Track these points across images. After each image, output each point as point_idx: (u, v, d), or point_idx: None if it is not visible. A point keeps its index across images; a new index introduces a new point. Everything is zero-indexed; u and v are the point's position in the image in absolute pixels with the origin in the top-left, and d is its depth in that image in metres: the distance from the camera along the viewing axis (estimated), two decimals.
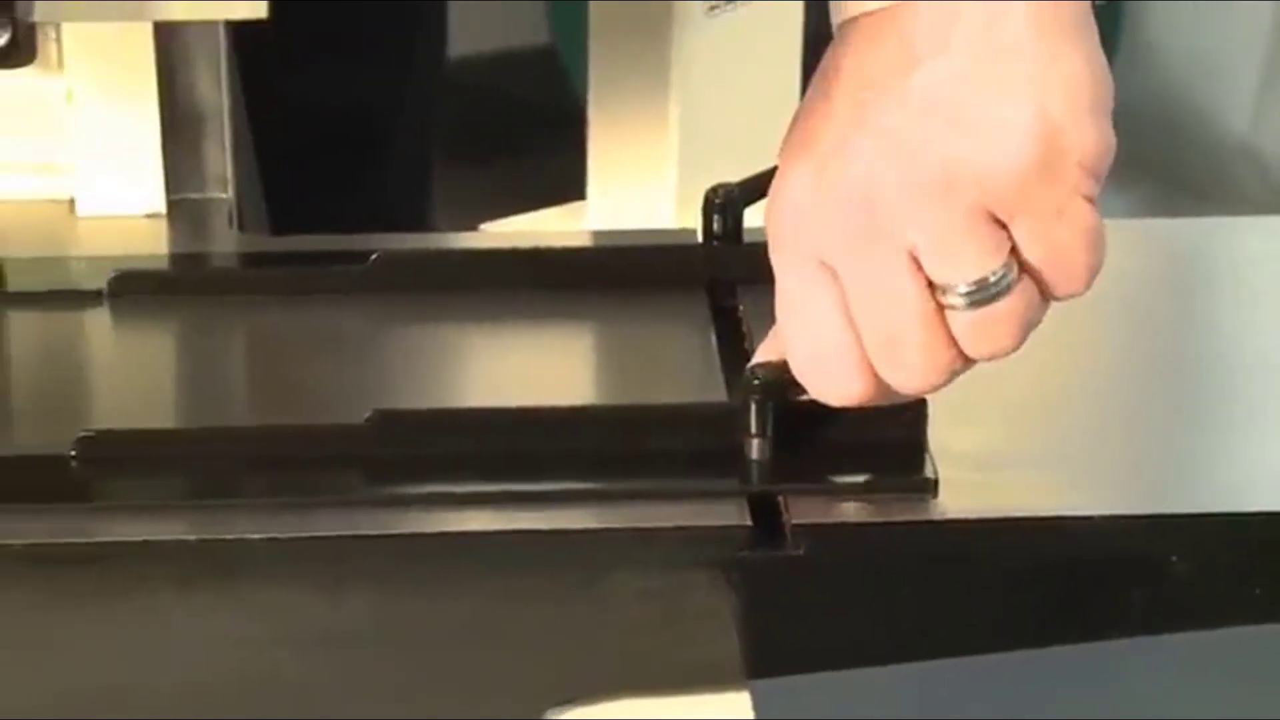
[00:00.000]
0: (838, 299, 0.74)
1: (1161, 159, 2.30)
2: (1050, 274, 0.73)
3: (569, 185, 1.06)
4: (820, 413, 0.77)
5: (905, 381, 0.75)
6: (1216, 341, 0.90)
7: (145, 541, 0.74)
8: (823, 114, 0.75)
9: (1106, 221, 0.74)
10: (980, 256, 0.72)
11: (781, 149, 0.77)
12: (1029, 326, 0.74)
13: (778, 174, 0.76)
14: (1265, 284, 0.94)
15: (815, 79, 0.77)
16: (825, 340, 0.75)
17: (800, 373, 0.76)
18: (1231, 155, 2.32)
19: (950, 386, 0.76)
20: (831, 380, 0.75)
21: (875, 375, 0.74)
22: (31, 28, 0.67)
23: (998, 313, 0.73)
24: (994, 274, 0.73)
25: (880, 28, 0.73)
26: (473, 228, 1.03)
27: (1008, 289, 0.73)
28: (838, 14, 0.76)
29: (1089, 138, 0.72)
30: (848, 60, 0.74)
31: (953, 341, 0.74)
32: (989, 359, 0.75)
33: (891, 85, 0.72)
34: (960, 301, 0.73)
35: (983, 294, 0.73)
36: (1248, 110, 2.32)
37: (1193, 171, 2.31)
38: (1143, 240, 0.98)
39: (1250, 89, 2.31)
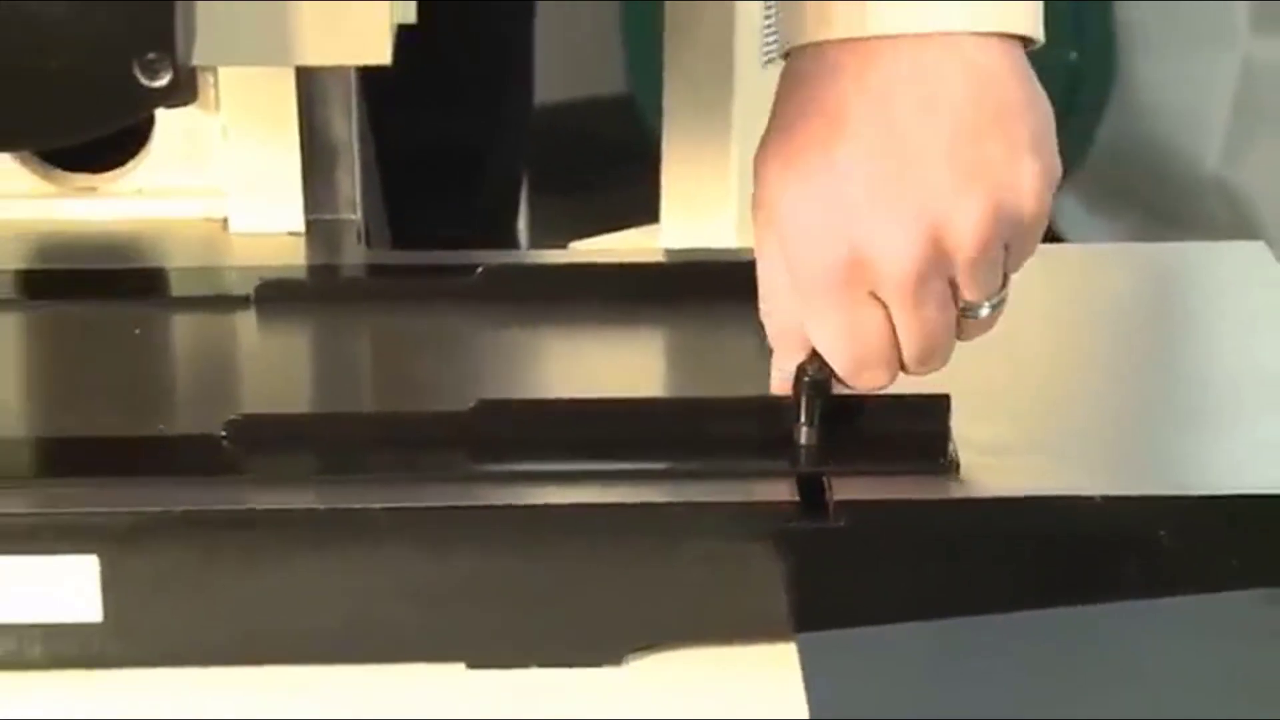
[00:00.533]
0: (884, 322, 0.73)
1: (1147, 193, 2.29)
2: (1016, 269, 0.74)
3: (645, 211, 1.06)
4: (859, 406, 0.77)
5: (928, 371, 0.75)
6: (1193, 348, 0.90)
7: (283, 509, 0.73)
8: (851, 145, 0.71)
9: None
10: (999, 279, 0.73)
11: (775, 161, 0.73)
12: None
13: (794, 196, 0.73)
14: (1234, 298, 0.94)
15: (797, 90, 0.73)
16: (872, 352, 0.73)
17: (845, 374, 0.75)
18: (1205, 191, 2.30)
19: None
20: (873, 378, 0.75)
21: (901, 367, 0.74)
22: (192, 71, 0.67)
23: (997, 312, 0.74)
24: (1001, 289, 0.73)
25: (873, 62, 0.71)
26: (563, 246, 1.02)
27: (1006, 296, 0.74)
28: (798, 31, 0.73)
29: (1058, 167, 0.72)
30: (849, 85, 0.71)
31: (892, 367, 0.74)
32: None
33: (914, 134, 0.70)
34: (980, 313, 0.73)
35: (992, 304, 0.73)
36: (1218, 153, 2.30)
37: (1173, 204, 2.30)
38: (1131, 261, 0.97)
39: (1220, 136, 2.29)
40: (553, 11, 1.51)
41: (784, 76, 0.74)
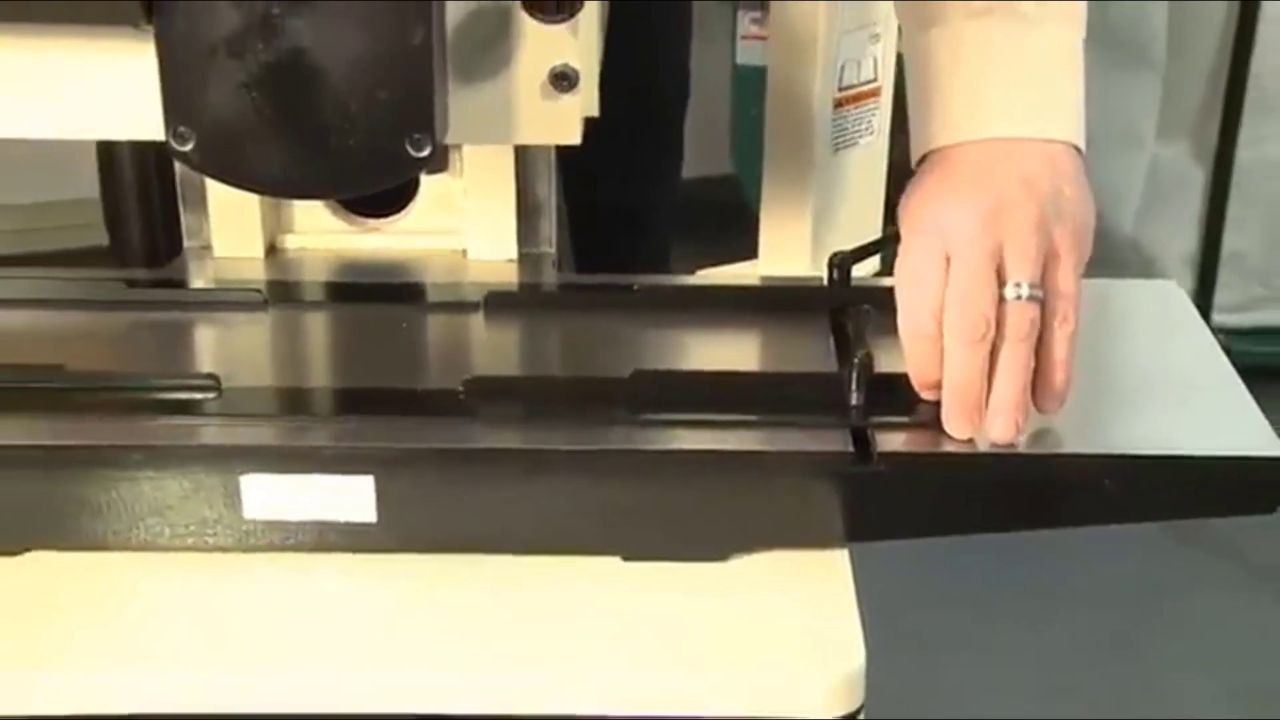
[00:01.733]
0: (944, 273, 0.70)
1: None
2: (1060, 280, 0.71)
3: (748, 251, 1.04)
4: (894, 381, 0.73)
5: (952, 326, 0.70)
6: (1124, 355, 0.85)
7: (499, 448, 0.72)
8: (976, 182, 0.71)
9: None
10: (1032, 269, 0.70)
11: (950, 200, 0.72)
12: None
13: (933, 204, 0.72)
14: (1153, 321, 0.90)
15: (949, 175, 0.73)
16: (924, 291, 0.70)
17: (900, 307, 0.72)
18: (1124, 247, 2.25)
19: None
20: (914, 313, 0.71)
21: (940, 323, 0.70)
22: (445, 147, 0.66)
23: (1031, 313, 0.69)
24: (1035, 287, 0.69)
25: (1001, 154, 0.72)
26: (691, 272, 1.00)
27: (1042, 298, 0.70)
28: (975, 129, 0.73)
29: (1091, 213, 0.73)
30: (1000, 162, 0.71)
31: (992, 317, 0.69)
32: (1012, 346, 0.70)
33: (1038, 178, 0.70)
34: (1023, 293, 0.69)
35: (1026, 295, 0.69)
36: (1132, 222, 2.24)
37: (1101, 255, 2.25)
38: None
39: (1133, 210, 2.23)
40: None
41: (950, 155, 0.73)
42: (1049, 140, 0.72)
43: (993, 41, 0.73)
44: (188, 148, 0.63)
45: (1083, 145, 0.74)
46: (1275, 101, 2.06)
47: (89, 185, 1.18)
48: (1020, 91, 0.73)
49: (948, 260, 0.70)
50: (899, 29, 0.83)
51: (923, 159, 0.75)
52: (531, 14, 0.64)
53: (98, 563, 0.71)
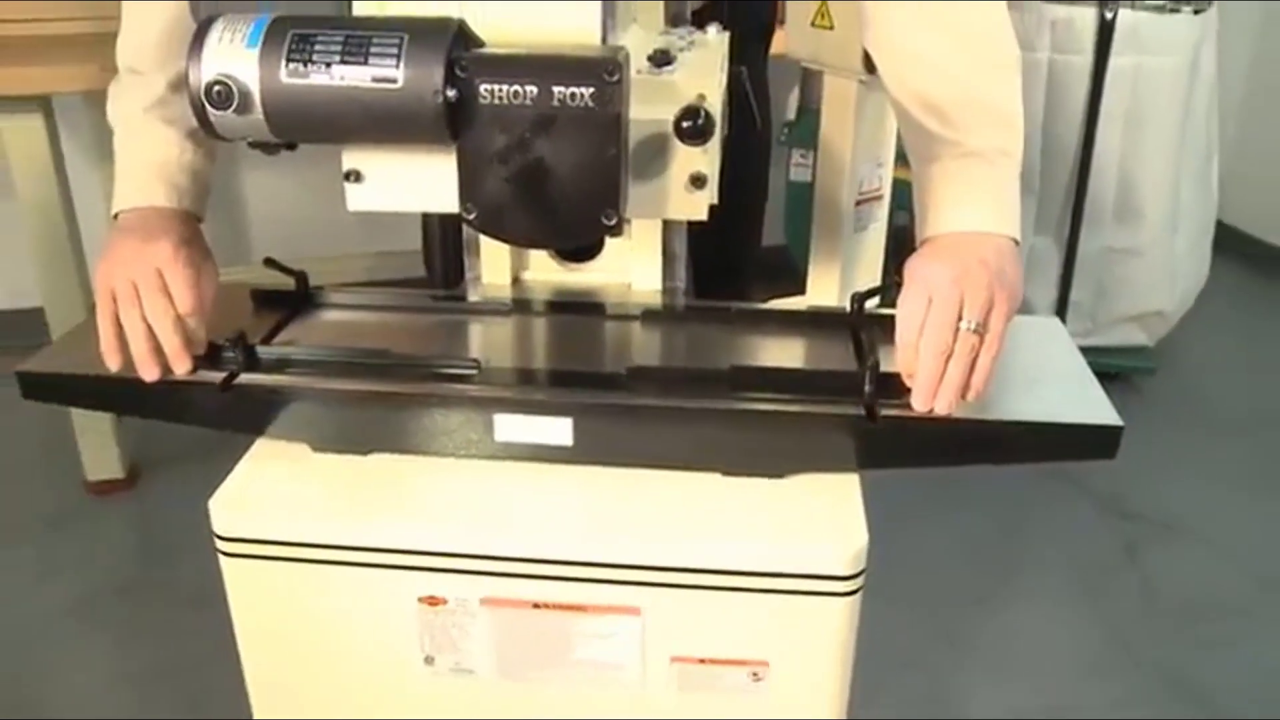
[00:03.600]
0: (926, 310, 0.65)
1: None
2: (994, 323, 0.65)
3: (798, 289, 0.98)
4: (892, 377, 0.67)
5: (925, 345, 0.65)
6: (1022, 359, 0.76)
7: (650, 405, 0.67)
8: (952, 256, 0.66)
9: None
10: (981, 311, 0.65)
11: (936, 267, 0.66)
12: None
13: (925, 266, 0.66)
14: (1042, 341, 0.81)
15: (936, 250, 0.67)
16: (914, 317, 0.66)
17: (898, 328, 0.66)
18: None
19: None
20: (906, 332, 0.66)
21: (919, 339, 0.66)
22: (623, 219, 0.61)
23: (973, 340, 0.65)
24: (983, 324, 0.65)
25: (969, 241, 0.66)
26: (765, 301, 0.93)
27: (982, 332, 0.65)
28: (926, 226, 0.68)
29: (1020, 284, 0.68)
30: (969, 248, 0.66)
31: (951, 342, 0.64)
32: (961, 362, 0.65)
33: (990, 259, 0.65)
34: (971, 326, 0.65)
35: (973, 329, 0.64)
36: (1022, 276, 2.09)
37: None
38: None
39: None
40: None
41: (939, 239, 0.68)
42: (998, 234, 0.68)
43: (967, 174, 0.69)
44: (472, 216, 0.60)
45: (1020, 239, 0.69)
46: (1100, 214, 1.94)
47: (414, 239, 1.15)
48: (982, 204, 0.69)
49: (930, 301, 0.66)
50: (894, 157, 0.76)
51: (922, 241, 0.71)
52: (680, 139, 0.61)
53: (411, 460, 0.70)
